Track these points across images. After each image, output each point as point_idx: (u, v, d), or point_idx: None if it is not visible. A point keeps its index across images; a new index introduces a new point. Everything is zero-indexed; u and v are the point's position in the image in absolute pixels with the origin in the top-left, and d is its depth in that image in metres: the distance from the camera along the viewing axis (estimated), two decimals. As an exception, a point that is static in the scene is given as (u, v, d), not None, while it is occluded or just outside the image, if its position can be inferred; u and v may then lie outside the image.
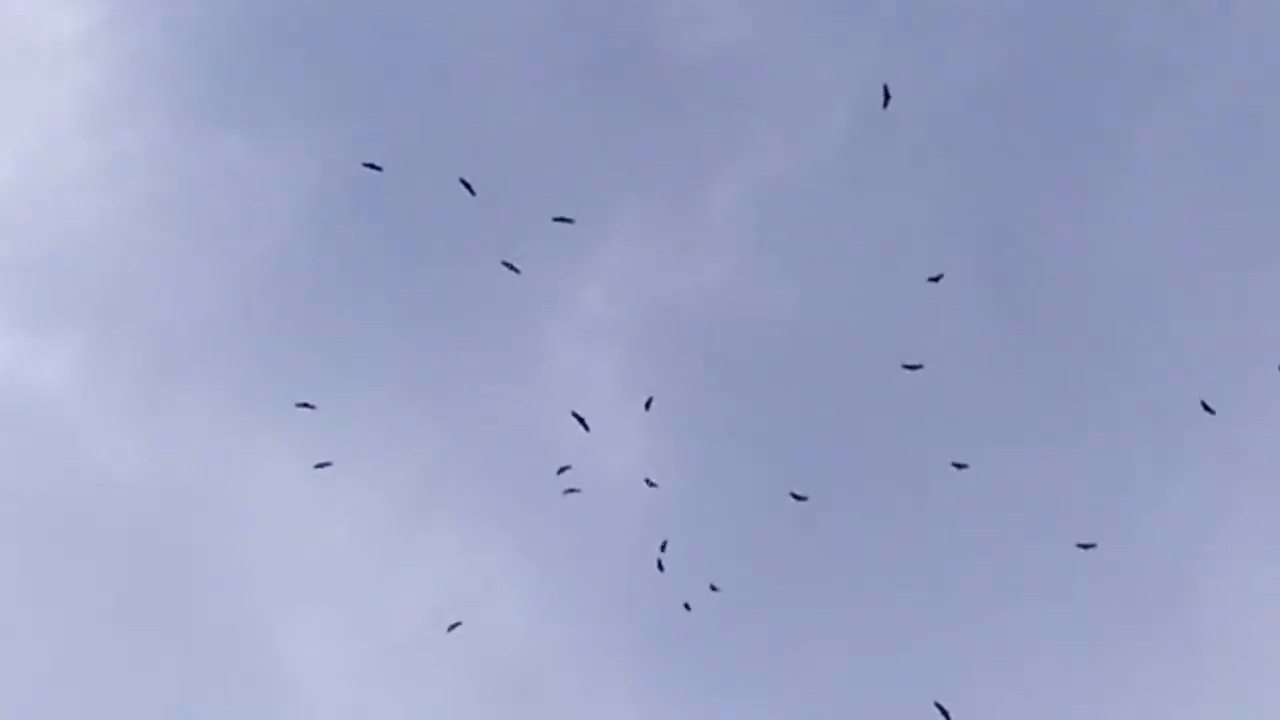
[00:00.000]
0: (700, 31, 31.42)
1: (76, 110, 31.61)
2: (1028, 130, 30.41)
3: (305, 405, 24.65)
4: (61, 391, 30.53)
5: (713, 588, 24.19)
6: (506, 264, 24.43)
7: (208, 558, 29.35)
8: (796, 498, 24.11)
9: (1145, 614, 27.78)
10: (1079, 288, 29.37)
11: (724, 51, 31.21)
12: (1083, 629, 27.78)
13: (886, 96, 23.45)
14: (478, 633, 28.40)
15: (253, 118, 31.74)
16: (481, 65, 31.78)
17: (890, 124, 30.48)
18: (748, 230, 30.64)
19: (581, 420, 23.89)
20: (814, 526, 27.61)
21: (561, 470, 24.38)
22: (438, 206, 28.23)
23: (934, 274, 23.66)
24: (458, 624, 24.29)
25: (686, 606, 24.17)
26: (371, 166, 24.54)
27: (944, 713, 22.50)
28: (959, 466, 23.73)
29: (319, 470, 24.90)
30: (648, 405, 24.60)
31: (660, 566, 24.14)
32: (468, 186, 24.33)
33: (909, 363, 23.93)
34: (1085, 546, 23.60)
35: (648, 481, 24.60)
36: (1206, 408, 23.38)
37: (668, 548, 24.21)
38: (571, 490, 24.45)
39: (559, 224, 24.52)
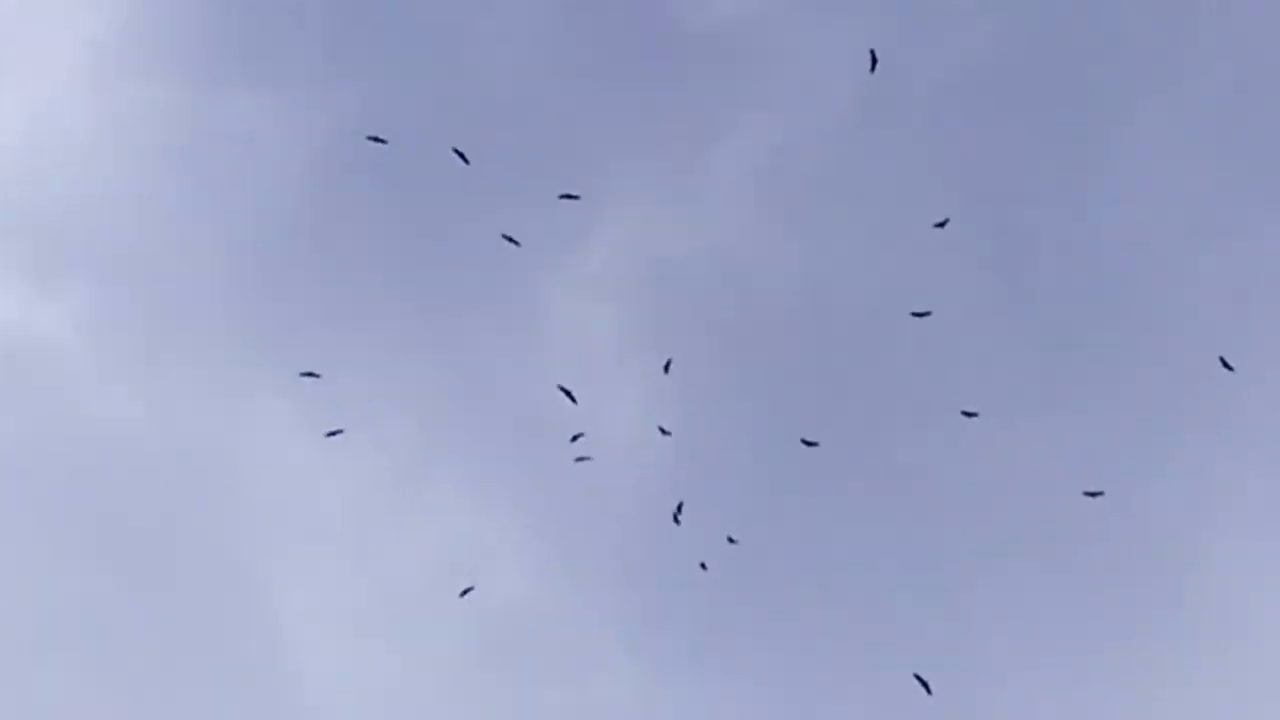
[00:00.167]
0: (707, -2, 31.46)
1: (84, 64, 31.67)
2: (1032, 98, 30.41)
3: (309, 374, 24.72)
4: (64, 346, 30.64)
5: (730, 540, 24.07)
6: (506, 237, 24.46)
7: (207, 513, 29.46)
8: (807, 444, 23.98)
9: (1144, 582, 27.83)
10: (1080, 257, 29.39)
11: (729, 17, 31.22)
12: (1081, 598, 27.83)
13: (874, 61, 23.39)
14: (477, 592, 28.47)
15: (261, 75, 31.77)
16: (488, 27, 31.80)
17: (894, 90, 30.50)
18: (750, 193, 30.65)
19: (568, 393, 23.90)
20: (821, 479, 27.67)
21: (575, 438, 24.38)
22: (442, 167, 28.23)
23: (939, 220, 23.63)
24: (470, 589, 24.34)
25: (703, 566, 24.10)
26: (376, 139, 24.60)
27: (924, 684, 22.49)
28: (969, 415, 23.64)
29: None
30: (666, 368, 24.54)
31: (676, 519, 24.01)
32: (461, 156, 24.36)
33: (917, 310, 23.85)
34: (1092, 494, 23.49)
35: (661, 429, 24.52)
36: (1225, 364, 23.20)
37: (679, 508, 24.18)
38: (583, 459, 24.45)
39: (564, 196, 24.59)
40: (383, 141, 24.54)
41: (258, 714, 27.84)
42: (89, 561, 28.99)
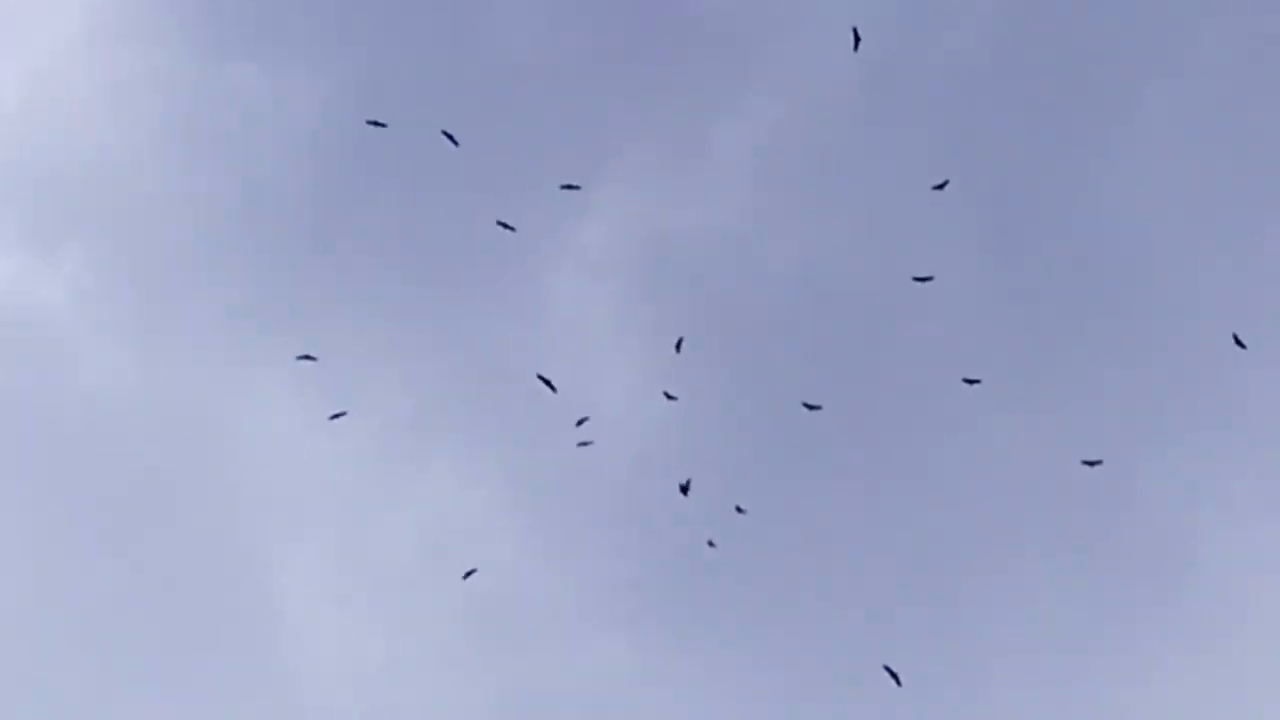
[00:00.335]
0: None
1: (84, 30, 31.62)
2: (1034, 78, 30.29)
3: (306, 357, 24.77)
4: (61, 311, 30.68)
5: (738, 509, 23.95)
6: (501, 223, 24.40)
7: (200, 482, 29.51)
8: (810, 407, 23.77)
9: (1140, 569, 27.82)
10: (1080, 241, 29.33)
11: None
12: (1078, 581, 27.86)
13: (856, 40, 23.19)
14: (466, 564, 28.51)
15: (261, 43, 31.73)
16: (491, 3, 31.74)
17: (895, 70, 30.39)
18: (751, 172, 30.57)
19: (548, 382, 23.85)
20: (821, 453, 27.68)
21: (580, 422, 24.34)
22: (442, 142, 28.11)
23: (939, 182, 23.47)
24: (473, 571, 24.35)
25: (711, 544, 24.02)
26: (375, 124, 24.57)
27: (894, 676, 22.43)
28: (970, 382, 23.42)
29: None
30: (678, 346, 24.42)
31: (684, 490, 23.87)
32: (450, 138, 24.30)
33: (919, 275, 23.64)
34: (1091, 464, 23.30)
35: (666, 395, 24.36)
36: (1238, 342, 22.96)
37: (688, 483, 24.10)
38: (585, 443, 24.43)
39: (565, 187, 24.56)
40: (382, 125, 24.48)
41: (248, 685, 27.95)
42: (82, 527, 29.09)
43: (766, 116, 31.00)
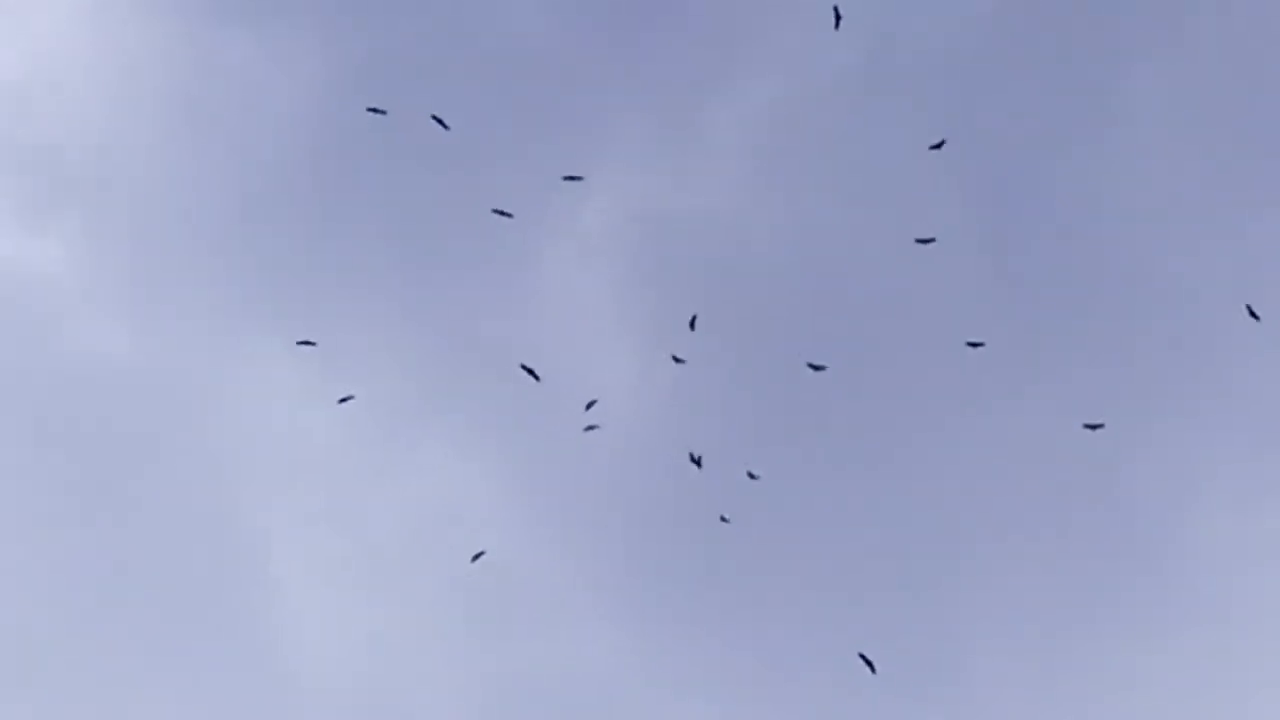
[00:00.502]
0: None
1: (83, 4, 31.49)
2: (1033, 59, 30.27)
3: (306, 343, 24.82)
4: (57, 282, 30.65)
5: (751, 475, 23.90)
6: (498, 210, 24.37)
7: (194, 456, 29.55)
8: (814, 368, 23.69)
9: (1126, 555, 27.99)
10: (1076, 227, 29.37)
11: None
12: (1064, 565, 28.02)
13: (837, 19, 23.06)
14: (463, 544, 28.64)
15: (261, 17, 31.60)
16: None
17: (893, 49, 30.37)
18: (747, 152, 30.56)
19: (531, 371, 23.86)
20: (822, 428, 27.79)
21: (590, 405, 24.35)
22: (439, 113, 28.06)
23: (935, 142, 23.39)
24: (481, 553, 24.43)
25: (724, 519, 24.00)
26: (375, 110, 24.53)
27: (868, 664, 22.46)
28: (974, 345, 23.34)
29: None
30: (692, 324, 24.34)
31: (698, 463, 23.86)
32: (440, 122, 24.26)
33: (922, 237, 23.54)
34: (1092, 427, 23.20)
35: (674, 358, 24.29)
36: (1252, 313, 22.76)
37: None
38: (591, 427, 24.45)
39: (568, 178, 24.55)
40: (381, 112, 24.44)
41: (240, 661, 28.10)
42: (74, 499, 29.15)
43: (762, 97, 31.00)
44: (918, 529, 27.86)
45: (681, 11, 30.89)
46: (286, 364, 29.48)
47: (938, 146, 23.62)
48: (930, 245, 24.07)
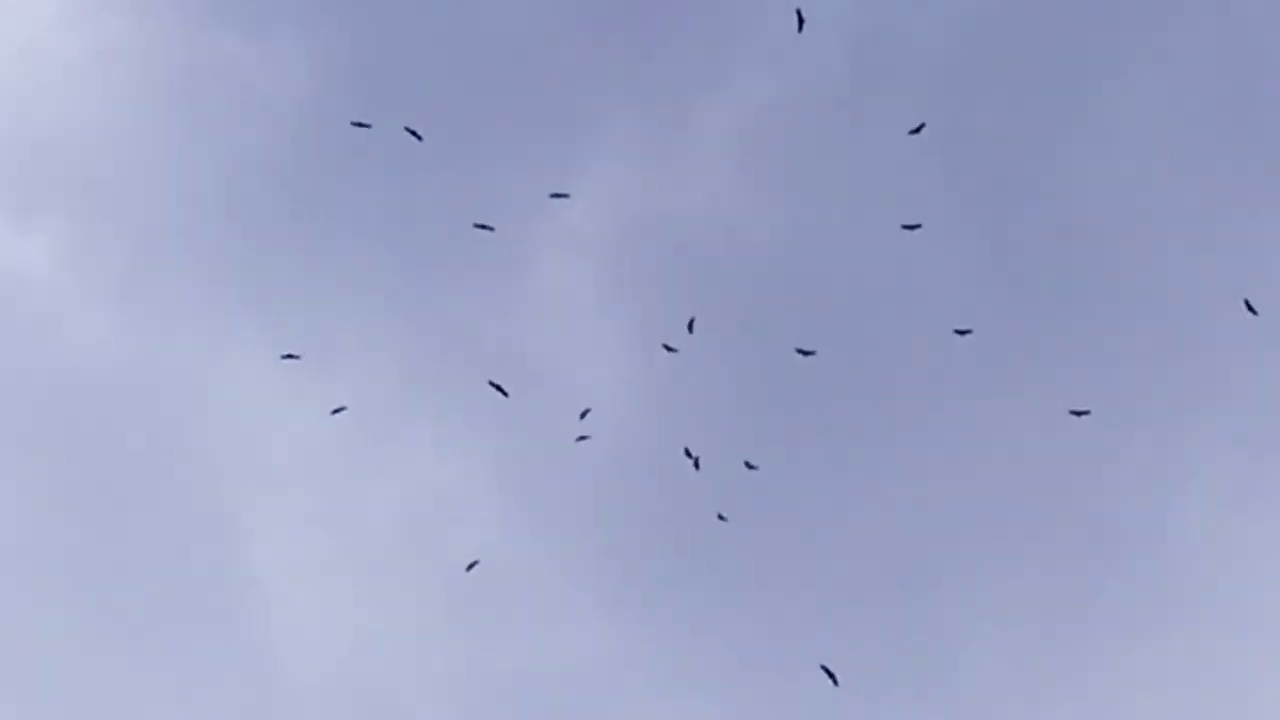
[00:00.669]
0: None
1: (71, 2, 31.46)
2: (1022, 58, 30.34)
3: (290, 356, 24.84)
4: (42, 278, 30.62)
5: (749, 465, 23.90)
6: (479, 224, 24.38)
7: (179, 451, 29.52)
8: (803, 353, 23.67)
9: (1111, 552, 28.08)
10: (1065, 224, 29.45)
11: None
12: (1049, 562, 28.11)
13: (800, 21, 23.07)
14: (446, 540, 28.66)
15: (248, 13, 31.57)
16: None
17: (882, 49, 30.42)
18: (735, 151, 30.61)
19: (499, 388, 23.89)
20: (808, 427, 27.83)
21: (584, 414, 24.36)
22: (427, 113, 28.07)
23: (915, 127, 23.42)
24: (475, 563, 24.45)
25: (721, 517, 24.00)
26: (360, 125, 24.57)
27: (830, 676, 22.46)
28: (961, 333, 23.35)
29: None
30: (690, 326, 24.34)
31: (695, 463, 23.87)
32: (414, 134, 24.27)
33: (908, 223, 23.53)
34: (1078, 413, 23.22)
35: (666, 347, 24.27)
36: (1250, 308, 22.72)
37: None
38: (583, 438, 24.46)
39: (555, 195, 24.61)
40: (367, 126, 24.47)
41: (225, 657, 28.07)
42: (62, 497, 29.11)
43: (751, 96, 31.03)
44: (907, 525, 27.94)
45: (670, 11, 30.94)
46: (274, 363, 29.46)
47: (917, 131, 23.67)
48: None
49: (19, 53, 31.26)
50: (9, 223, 30.81)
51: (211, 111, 30.77)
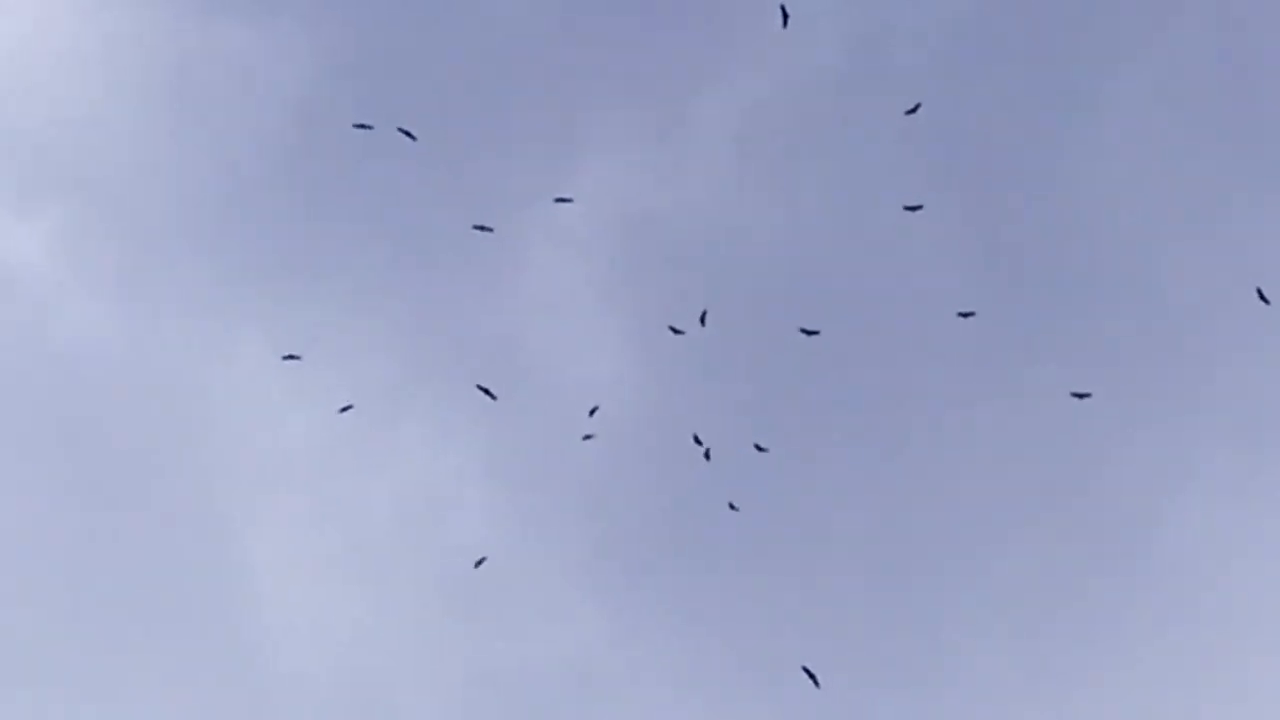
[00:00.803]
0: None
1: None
2: (1019, 55, 30.37)
3: (291, 357, 24.83)
4: (40, 268, 30.57)
5: (758, 447, 23.84)
6: (478, 226, 24.36)
7: (176, 442, 29.50)
8: (807, 332, 23.61)
9: (1107, 551, 28.11)
10: (1062, 222, 29.46)
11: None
12: (1042, 558, 28.13)
13: (785, 17, 23.04)
14: (443, 536, 28.64)
15: (250, 8, 31.54)
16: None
17: (879, 46, 30.43)
18: (732, 147, 30.59)
19: (487, 391, 23.88)
20: (805, 423, 27.83)
21: (593, 412, 24.35)
22: (425, 110, 28.11)
23: (910, 107, 23.36)
24: (483, 559, 24.44)
25: (732, 507, 23.93)
26: (362, 126, 24.56)
27: (812, 678, 22.44)
28: (965, 315, 23.28)
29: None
30: (703, 319, 24.29)
31: (706, 454, 23.83)
32: (408, 134, 24.26)
33: (910, 204, 23.49)
34: (1080, 396, 23.19)
35: (673, 329, 24.20)
36: (1262, 297, 22.59)
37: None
38: (589, 436, 24.45)
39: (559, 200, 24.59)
40: (369, 128, 24.47)
41: (217, 650, 28.02)
42: (53, 488, 29.08)
43: (748, 93, 31.03)
44: (900, 523, 27.98)
45: (666, 8, 30.93)
46: (271, 356, 29.42)
47: (913, 111, 23.65)
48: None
49: (18, 42, 31.23)
50: (7, 212, 30.79)
51: (212, 103, 30.75)
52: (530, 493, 28.33)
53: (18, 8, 31.38)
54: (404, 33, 31.02)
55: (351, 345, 29.24)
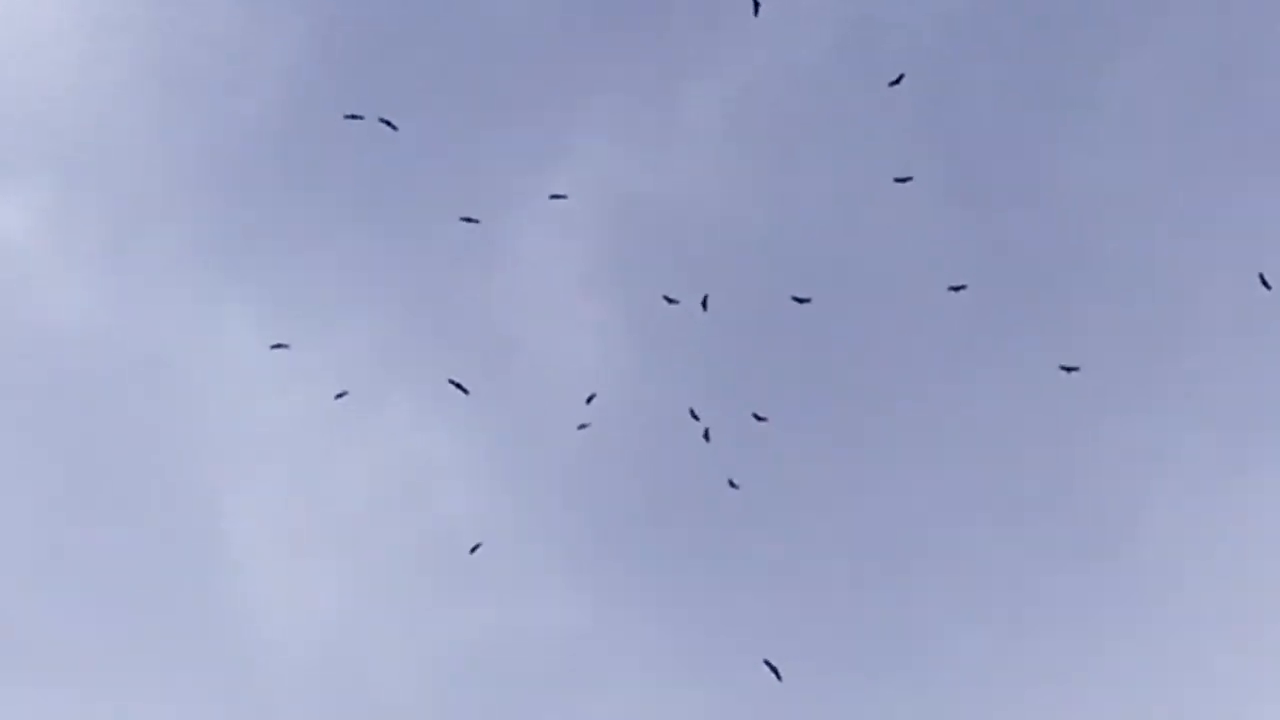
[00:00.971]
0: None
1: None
2: (1012, 43, 30.48)
3: (279, 346, 24.82)
4: (25, 244, 30.47)
5: (757, 417, 23.82)
6: (465, 218, 24.38)
7: (158, 418, 29.42)
8: (799, 300, 23.62)
9: (1085, 545, 28.18)
10: (1052, 209, 29.58)
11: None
12: (1023, 545, 28.18)
13: (756, 7, 23.13)
14: (426, 513, 28.60)
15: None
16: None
17: (870, 31, 30.53)
18: (721, 132, 30.66)
19: (460, 386, 23.91)
20: (795, 406, 27.84)
21: (590, 399, 24.35)
22: (417, 86, 28.12)
23: (894, 78, 23.35)
24: (479, 545, 24.43)
25: (733, 484, 23.91)
26: (353, 117, 24.57)
27: (774, 671, 22.44)
28: (956, 289, 23.33)
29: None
30: (704, 304, 24.28)
31: (706, 435, 23.82)
32: (389, 124, 24.29)
33: (900, 176, 23.52)
34: (1068, 369, 23.26)
35: (667, 299, 24.17)
36: (1264, 282, 22.64)
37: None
38: (584, 425, 24.44)
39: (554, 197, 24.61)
40: (359, 118, 24.48)
41: (201, 627, 27.94)
42: (40, 461, 28.97)
43: (738, 78, 31.11)
44: (892, 519, 28.05)
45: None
46: (253, 332, 29.40)
47: (896, 82, 23.70)
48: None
49: (7, 17, 31.14)
50: (-9, 188, 30.68)
51: (199, 81, 30.71)
52: (514, 472, 28.37)
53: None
54: (392, 17, 31.07)
55: (337, 324, 29.25)
